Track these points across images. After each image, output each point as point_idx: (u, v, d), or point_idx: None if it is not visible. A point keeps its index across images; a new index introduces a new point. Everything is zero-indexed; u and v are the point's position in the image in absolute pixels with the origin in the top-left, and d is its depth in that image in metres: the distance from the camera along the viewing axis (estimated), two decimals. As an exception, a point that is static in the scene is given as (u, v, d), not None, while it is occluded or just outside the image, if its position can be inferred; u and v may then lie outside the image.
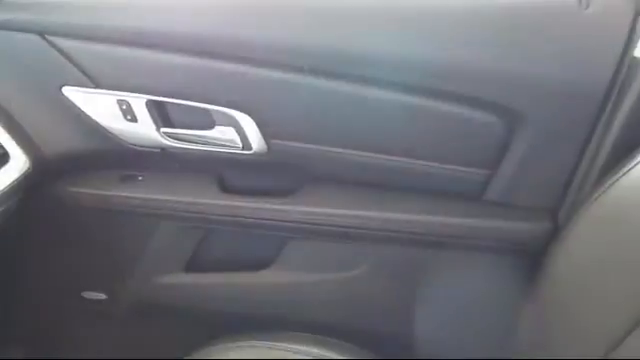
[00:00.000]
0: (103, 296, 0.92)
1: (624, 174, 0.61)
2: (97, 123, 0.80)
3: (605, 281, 0.62)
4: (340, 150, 0.79)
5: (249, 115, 0.77)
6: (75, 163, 0.82)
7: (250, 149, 0.80)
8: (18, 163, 0.75)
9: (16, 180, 0.74)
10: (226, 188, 0.84)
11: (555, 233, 0.73)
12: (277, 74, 0.74)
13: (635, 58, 0.69)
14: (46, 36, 0.75)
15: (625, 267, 0.59)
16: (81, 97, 0.78)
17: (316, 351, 0.75)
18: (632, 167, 0.61)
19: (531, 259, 0.73)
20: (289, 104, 0.77)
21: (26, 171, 0.76)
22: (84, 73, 0.77)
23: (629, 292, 0.57)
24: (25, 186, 0.76)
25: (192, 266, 0.88)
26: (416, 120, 0.74)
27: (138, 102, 0.79)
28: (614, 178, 0.62)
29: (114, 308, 0.92)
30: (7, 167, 0.74)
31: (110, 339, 0.95)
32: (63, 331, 0.97)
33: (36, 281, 0.93)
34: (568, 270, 0.67)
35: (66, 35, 0.75)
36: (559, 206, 0.74)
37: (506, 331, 0.72)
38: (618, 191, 0.61)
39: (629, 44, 0.68)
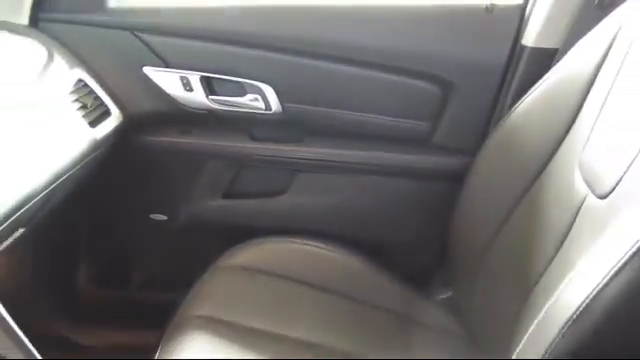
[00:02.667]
0: (164, 217, 1.27)
1: (507, 117, 0.97)
2: (165, 92, 1.15)
3: (494, 189, 0.98)
4: (331, 110, 1.15)
5: (270, 86, 1.13)
6: (150, 119, 1.18)
7: (271, 110, 1.16)
8: (115, 117, 1.11)
9: (114, 128, 1.10)
10: (253, 137, 1.20)
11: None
12: (290, 58, 1.11)
13: (522, 45, 1.05)
14: (134, 32, 1.11)
15: (507, 184, 0.94)
16: (155, 74, 1.14)
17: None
18: (512, 112, 0.97)
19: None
20: (298, 78, 1.13)
21: (120, 123, 1.12)
22: (158, 57, 1.12)
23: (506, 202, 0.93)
24: (118, 133, 1.12)
25: (229, 194, 1.24)
26: (382, 88, 1.11)
27: (194, 78, 1.14)
28: (503, 121, 0.98)
29: (172, 226, 1.27)
30: (109, 119, 1.09)
31: (168, 250, 1.31)
32: (134, 245, 1.32)
33: (116, 206, 1.28)
34: (475, 186, 1.03)
35: (147, 31, 1.11)
36: (479, 146, 1.09)
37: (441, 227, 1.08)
38: (503, 129, 0.97)
39: (518, 36, 1.04)
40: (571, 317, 0.58)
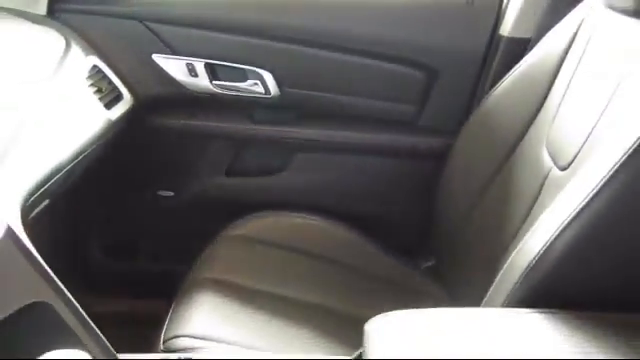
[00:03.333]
0: (171, 193, 1.37)
1: (485, 101, 1.07)
2: (173, 77, 1.25)
3: (472, 166, 1.08)
4: (325, 94, 1.26)
5: (269, 72, 1.23)
6: (158, 103, 1.27)
7: (270, 94, 1.26)
8: (127, 100, 1.21)
9: (126, 110, 1.19)
10: (254, 120, 1.30)
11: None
12: (287, 46, 1.21)
13: (500, 35, 1.15)
14: (144, 22, 1.20)
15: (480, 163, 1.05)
16: (163, 61, 1.24)
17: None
18: (489, 96, 1.07)
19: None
20: (295, 65, 1.23)
21: (131, 106, 1.21)
22: (166, 45, 1.22)
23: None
24: (129, 115, 1.21)
25: (231, 172, 1.34)
26: (372, 74, 1.21)
27: (199, 64, 1.24)
28: (481, 104, 1.09)
29: (178, 201, 1.37)
30: (122, 102, 1.19)
31: (174, 224, 1.41)
32: (143, 219, 1.42)
33: (127, 183, 1.37)
34: (456, 163, 1.13)
35: (156, 21, 1.20)
36: (460, 127, 1.19)
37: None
38: (481, 112, 1.08)
39: (496, 26, 1.14)
40: (529, 265, 0.68)
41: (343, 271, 1.13)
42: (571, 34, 0.95)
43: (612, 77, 0.80)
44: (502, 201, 1.00)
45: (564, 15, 0.99)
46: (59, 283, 0.71)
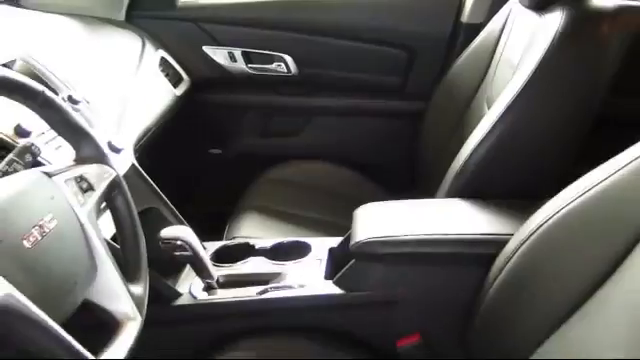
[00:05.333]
0: (219, 151, 1.80)
1: (448, 73, 1.46)
2: (218, 63, 1.68)
3: (440, 121, 1.48)
4: (332, 71, 1.67)
5: (290, 56, 1.64)
6: (208, 82, 1.70)
7: (290, 73, 1.67)
8: (185, 82, 1.63)
9: (185, 89, 1.62)
10: (279, 92, 1.72)
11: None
12: (304, 36, 1.62)
13: (461, 22, 1.53)
14: (196, 22, 1.62)
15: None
16: (210, 51, 1.66)
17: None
18: (451, 69, 1.45)
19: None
20: (309, 50, 1.64)
21: (188, 86, 1.64)
22: (212, 39, 1.64)
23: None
24: (187, 93, 1.63)
25: (264, 134, 1.77)
26: (367, 54, 1.62)
27: (237, 52, 1.66)
28: (446, 76, 1.47)
29: (225, 157, 1.80)
30: (182, 83, 1.61)
31: (222, 174, 1.82)
32: (198, 171, 1.84)
33: (185, 143, 1.79)
34: (429, 120, 1.52)
35: (205, 21, 1.63)
36: (432, 93, 1.57)
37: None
38: (446, 81, 1.46)
39: (458, 15, 1.52)
40: (460, 166, 1.05)
41: (345, 200, 1.54)
42: (502, 21, 1.33)
43: (518, 55, 1.17)
44: (460, 140, 1.39)
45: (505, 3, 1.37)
46: (163, 196, 1.14)
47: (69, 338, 0.63)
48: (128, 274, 0.79)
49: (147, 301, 0.80)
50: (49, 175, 0.73)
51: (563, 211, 0.77)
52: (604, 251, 0.70)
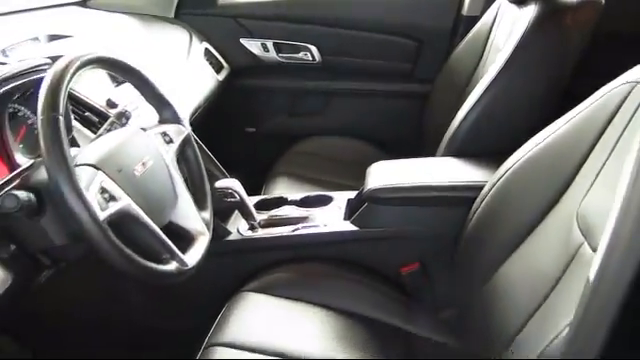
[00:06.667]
0: (254, 129, 2.07)
1: (450, 58, 1.71)
2: (253, 53, 1.96)
3: (445, 99, 1.73)
4: (350, 59, 1.93)
5: (315, 46, 1.91)
6: (244, 69, 1.98)
7: (315, 61, 1.94)
8: (225, 69, 1.91)
9: (225, 75, 1.89)
10: (304, 78, 1.99)
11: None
12: (326, 29, 1.89)
13: (462, 15, 1.77)
14: (235, 18, 1.90)
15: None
16: (246, 42, 1.94)
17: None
18: (452, 55, 1.70)
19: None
20: (331, 41, 1.91)
21: (227, 72, 1.92)
22: (248, 32, 1.92)
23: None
24: (227, 78, 1.91)
25: (292, 113, 2.04)
26: (382, 44, 1.87)
27: (269, 43, 1.94)
28: (449, 60, 1.72)
29: (258, 134, 2.07)
30: (223, 70, 1.89)
31: (255, 150, 2.10)
32: (235, 147, 2.11)
33: (224, 122, 2.06)
34: (435, 98, 1.77)
35: (242, 17, 1.91)
36: (437, 76, 1.82)
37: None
38: (449, 64, 1.71)
39: (459, 9, 1.77)
40: (456, 126, 1.33)
41: (360, 167, 1.78)
42: (494, 14, 1.58)
43: (504, 42, 1.42)
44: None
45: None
46: (213, 157, 1.42)
47: (165, 238, 0.91)
48: (198, 204, 1.07)
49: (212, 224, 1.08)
50: (144, 130, 1.01)
51: (521, 160, 1.02)
52: (549, 188, 0.94)
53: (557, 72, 1.28)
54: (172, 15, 1.91)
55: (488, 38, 1.59)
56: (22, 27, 1.36)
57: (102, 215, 0.80)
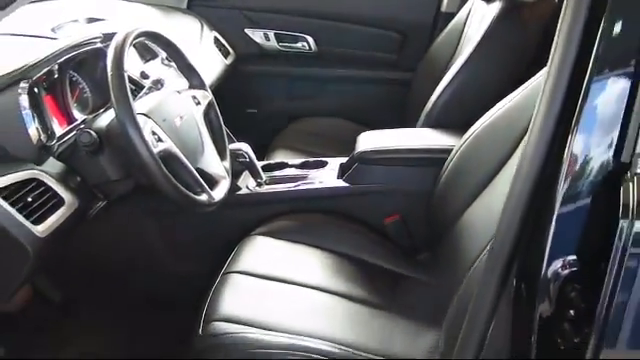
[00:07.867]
0: (255, 110, 2.30)
1: (429, 50, 1.96)
2: (256, 42, 2.20)
3: (425, 86, 1.98)
4: (342, 48, 2.18)
5: (311, 37, 2.16)
6: (248, 56, 2.21)
7: (311, 50, 2.19)
8: (232, 55, 2.14)
9: (232, 61, 2.12)
10: (300, 64, 2.23)
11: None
12: (321, 21, 2.13)
13: (441, 11, 2.03)
14: (241, 10, 2.13)
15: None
16: (250, 32, 2.18)
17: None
18: (430, 48, 1.96)
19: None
20: (325, 32, 2.16)
21: (233, 59, 2.15)
22: (252, 23, 2.16)
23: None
24: (233, 64, 2.14)
25: (290, 96, 2.27)
26: (370, 36, 2.13)
27: (271, 33, 2.18)
28: (428, 52, 1.98)
29: (259, 114, 2.30)
30: (229, 56, 2.12)
31: (256, 128, 2.32)
32: (239, 127, 2.33)
33: (226, 103, 2.29)
34: (417, 85, 2.02)
35: (247, 9, 2.14)
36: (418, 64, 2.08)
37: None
38: (428, 56, 1.96)
39: (439, 5, 2.03)
40: (435, 97, 1.59)
41: (349, 145, 2.03)
42: (468, 10, 1.83)
43: (475, 32, 1.67)
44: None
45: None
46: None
47: (198, 176, 1.14)
48: (220, 154, 1.30)
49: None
50: (179, 92, 1.24)
51: (481, 127, 1.28)
52: (502, 148, 1.17)
53: (517, 58, 1.53)
54: (185, 6, 2.14)
55: (462, 32, 1.84)
56: (64, 11, 1.58)
57: (155, 150, 1.03)
